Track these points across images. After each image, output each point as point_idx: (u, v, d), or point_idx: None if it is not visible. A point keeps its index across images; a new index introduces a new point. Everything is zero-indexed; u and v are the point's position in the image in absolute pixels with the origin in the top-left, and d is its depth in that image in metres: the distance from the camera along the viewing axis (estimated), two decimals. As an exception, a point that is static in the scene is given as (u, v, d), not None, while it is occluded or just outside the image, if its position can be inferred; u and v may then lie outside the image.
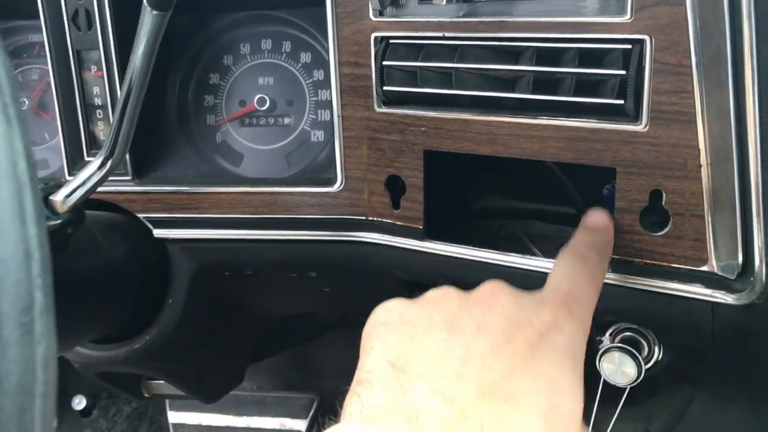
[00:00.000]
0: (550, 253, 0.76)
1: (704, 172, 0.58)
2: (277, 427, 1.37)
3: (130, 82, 0.63)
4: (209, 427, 1.39)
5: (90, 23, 0.82)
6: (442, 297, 0.51)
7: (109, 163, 0.65)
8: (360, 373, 0.46)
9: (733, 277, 0.60)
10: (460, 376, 0.44)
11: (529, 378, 0.45)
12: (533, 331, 0.48)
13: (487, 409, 0.42)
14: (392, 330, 0.48)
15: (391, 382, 0.44)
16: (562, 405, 0.45)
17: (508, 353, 0.46)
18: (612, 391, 0.76)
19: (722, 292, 0.60)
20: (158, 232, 0.84)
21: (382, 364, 0.45)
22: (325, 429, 0.42)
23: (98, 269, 0.76)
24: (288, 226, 0.81)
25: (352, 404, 0.44)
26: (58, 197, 0.65)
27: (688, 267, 0.61)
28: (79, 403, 1.51)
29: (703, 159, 0.58)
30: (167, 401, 1.40)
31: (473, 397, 0.43)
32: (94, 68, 0.84)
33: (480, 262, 0.72)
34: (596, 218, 0.63)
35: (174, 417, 1.41)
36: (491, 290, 0.51)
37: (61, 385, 1.51)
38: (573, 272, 0.55)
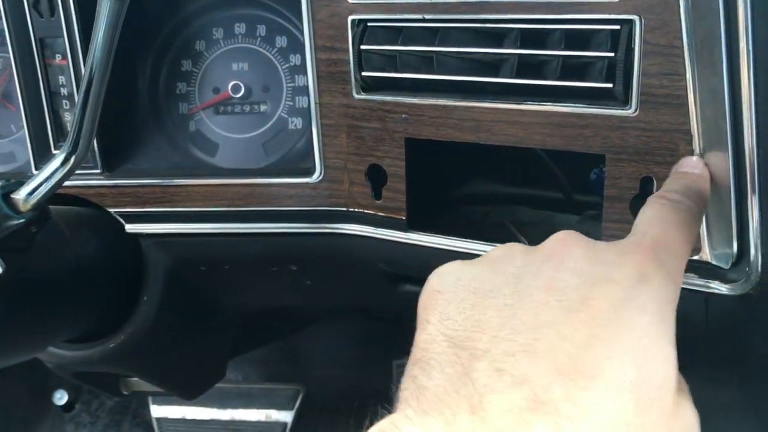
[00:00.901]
0: (538, 240, 0.74)
1: (697, 158, 0.56)
2: (263, 419, 1.35)
3: (90, 72, 0.60)
4: (193, 420, 1.37)
5: (53, 9, 0.78)
6: (505, 254, 0.44)
7: (73, 158, 0.62)
8: (416, 352, 0.40)
9: (728, 267, 0.58)
10: (530, 351, 0.37)
11: (612, 346, 0.38)
12: (615, 287, 0.40)
13: (563, 389, 0.36)
14: (450, 299, 0.42)
15: (451, 361, 0.38)
16: (652, 375, 0.38)
17: (586, 317, 0.39)
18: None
19: (716, 282, 0.58)
20: (131, 227, 0.81)
21: (440, 339, 0.39)
22: (379, 420, 0.36)
23: (68, 267, 0.73)
24: (266, 219, 0.78)
25: (408, 388, 0.38)
26: (19, 195, 0.62)
27: (680, 256, 0.59)
28: (61, 398, 1.49)
29: (696, 144, 0.56)
30: (150, 396, 1.38)
31: (546, 375, 0.36)
32: (58, 56, 0.80)
33: (465, 252, 0.70)
34: (690, 162, 0.55)
35: (157, 411, 1.39)
36: (563, 241, 0.44)
37: (42, 381, 1.48)
38: (661, 218, 0.47)
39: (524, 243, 0.72)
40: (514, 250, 0.45)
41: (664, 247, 0.44)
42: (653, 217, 0.47)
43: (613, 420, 0.36)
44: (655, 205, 0.49)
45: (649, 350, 0.38)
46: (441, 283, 0.43)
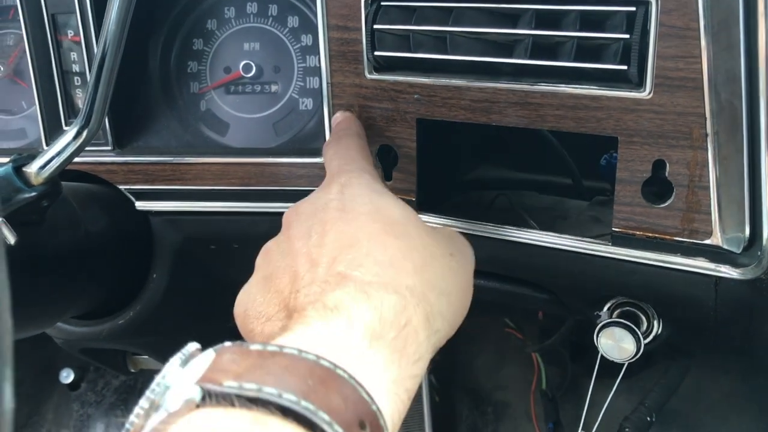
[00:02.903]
0: (546, 225, 0.74)
1: (710, 142, 0.56)
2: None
3: (104, 47, 0.60)
4: (199, 400, 1.38)
5: (65, -15, 0.78)
6: (272, 246, 0.58)
7: (85, 133, 0.62)
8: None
9: (739, 251, 0.57)
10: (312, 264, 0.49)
11: (352, 218, 0.50)
12: (333, 199, 0.52)
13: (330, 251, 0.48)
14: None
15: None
16: (392, 214, 0.51)
17: (324, 229, 0.50)
18: (609, 367, 0.74)
19: (727, 266, 0.58)
20: (140, 205, 0.81)
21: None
22: None
23: (78, 243, 0.73)
24: (276, 198, 0.78)
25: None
26: (31, 169, 0.62)
27: (691, 240, 0.59)
28: (67, 376, 1.49)
29: (710, 127, 0.56)
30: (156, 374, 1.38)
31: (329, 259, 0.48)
32: (70, 33, 0.80)
33: (475, 234, 0.70)
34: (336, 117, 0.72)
35: (163, 390, 1.39)
36: (286, 216, 0.57)
37: (48, 359, 1.49)
38: (333, 153, 0.61)
39: (533, 226, 0.73)
40: (270, 244, 0.58)
41: (346, 163, 0.59)
42: (328, 157, 0.62)
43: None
44: (326, 149, 0.65)
45: (376, 200, 0.52)
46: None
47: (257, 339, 0.49)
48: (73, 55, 0.81)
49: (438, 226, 0.61)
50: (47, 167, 0.62)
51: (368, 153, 0.63)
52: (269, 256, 0.55)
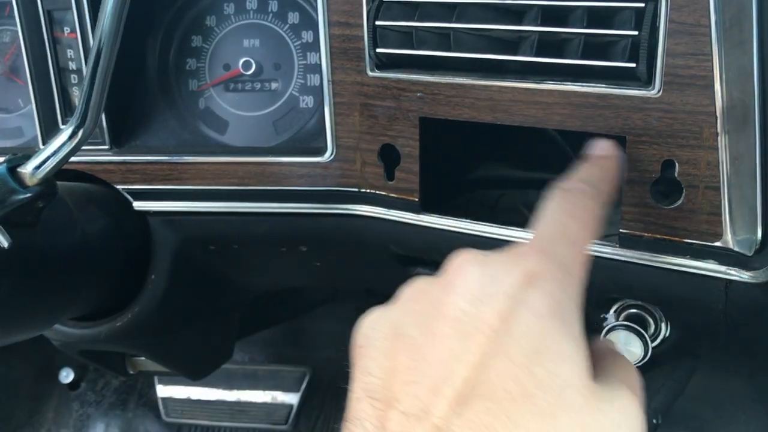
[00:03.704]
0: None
1: (721, 141, 0.54)
2: (269, 400, 1.35)
3: (99, 44, 0.58)
4: (199, 401, 1.37)
5: (61, -19, 0.76)
6: (411, 294, 0.45)
7: (80, 132, 0.61)
8: (349, 411, 0.42)
9: (750, 254, 0.56)
10: (433, 389, 0.38)
11: (503, 360, 0.38)
12: (502, 299, 0.40)
13: (463, 419, 0.36)
14: (366, 352, 0.43)
15: (370, 415, 0.39)
16: (549, 379, 0.37)
17: (480, 338, 0.39)
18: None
19: (737, 269, 0.57)
20: (138, 205, 0.80)
21: (362, 396, 0.41)
22: None
23: (75, 244, 0.72)
24: (276, 198, 0.77)
25: None
26: (26, 169, 0.61)
27: (701, 242, 0.58)
28: (67, 376, 1.49)
29: (720, 126, 0.54)
30: (156, 375, 1.37)
31: (447, 409, 0.37)
32: (67, 29, 0.79)
33: (479, 235, 0.69)
34: (597, 147, 0.54)
35: (162, 391, 1.39)
36: (456, 266, 0.43)
37: (48, 359, 1.48)
38: (553, 209, 0.46)
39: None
40: (419, 285, 0.45)
41: (553, 240, 0.43)
42: (546, 210, 0.47)
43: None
44: (550, 198, 0.48)
45: (544, 354, 0.38)
46: (362, 336, 0.44)
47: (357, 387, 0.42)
48: (70, 52, 0.80)
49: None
50: (42, 168, 0.61)
51: (596, 229, 0.47)
52: (412, 310, 0.43)
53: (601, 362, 0.43)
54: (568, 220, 0.45)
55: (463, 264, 0.43)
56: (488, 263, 0.43)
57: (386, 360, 0.41)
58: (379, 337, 0.43)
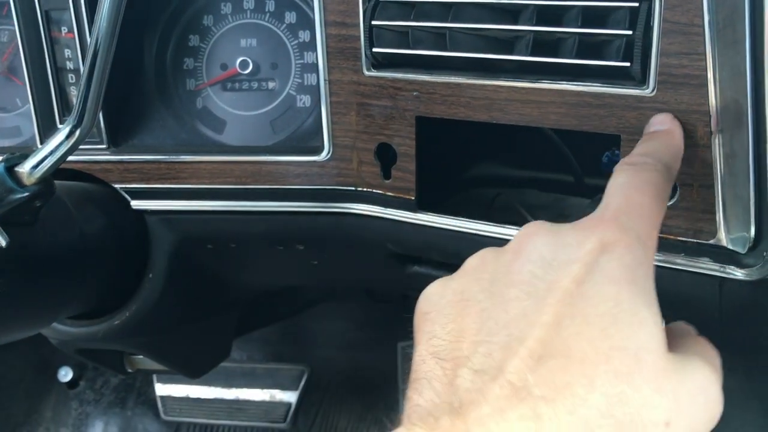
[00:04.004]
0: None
1: (715, 140, 0.55)
2: (267, 399, 1.35)
3: (96, 43, 0.59)
4: (197, 399, 1.37)
5: (59, -19, 0.77)
6: (478, 263, 0.45)
7: (78, 131, 0.61)
8: (411, 374, 0.42)
9: (744, 251, 0.56)
10: (505, 347, 0.38)
11: (580, 321, 0.38)
12: (577, 265, 0.40)
13: (534, 373, 0.36)
14: (434, 317, 0.43)
15: (438, 375, 0.39)
16: (627, 342, 0.37)
17: (553, 300, 0.39)
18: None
19: (732, 267, 0.57)
20: (136, 204, 0.80)
21: (428, 358, 0.41)
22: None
23: (72, 243, 0.72)
24: (273, 197, 0.77)
25: (404, 411, 0.40)
26: (24, 168, 0.61)
27: (695, 240, 0.58)
28: (65, 375, 1.49)
29: (714, 125, 0.55)
30: (154, 374, 1.38)
31: (519, 363, 0.37)
32: (64, 29, 0.79)
33: (474, 234, 0.69)
34: (656, 120, 0.54)
35: (161, 389, 1.39)
36: (526, 234, 0.44)
37: (46, 357, 1.48)
38: (623, 183, 0.46)
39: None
40: (486, 255, 0.45)
41: (626, 212, 0.44)
42: (616, 185, 0.47)
43: (590, 393, 0.36)
44: (618, 172, 0.48)
45: (620, 318, 0.38)
46: (427, 303, 0.45)
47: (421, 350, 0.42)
48: (68, 52, 0.80)
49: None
50: (40, 167, 0.61)
51: (665, 203, 0.48)
52: (482, 274, 0.44)
53: (679, 339, 0.44)
54: (638, 194, 0.46)
55: (532, 233, 0.44)
56: (559, 232, 0.43)
57: (453, 323, 0.41)
58: (446, 304, 0.43)
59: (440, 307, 0.43)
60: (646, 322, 0.39)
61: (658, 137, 0.53)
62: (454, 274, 0.46)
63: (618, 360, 0.37)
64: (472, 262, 0.46)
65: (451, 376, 0.38)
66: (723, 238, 0.57)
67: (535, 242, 0.43)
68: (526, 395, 0.36)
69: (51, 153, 0.61)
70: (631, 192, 0.46)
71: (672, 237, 0.59)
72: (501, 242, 0.68)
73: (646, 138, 0.54)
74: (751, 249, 0.56)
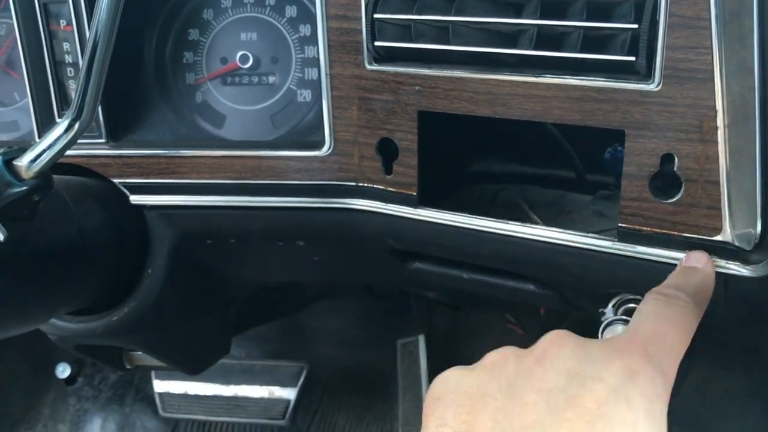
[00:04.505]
0: (549, 220, 0.73)
1: (721, 135, 0.54)
2: (266, 395, 1.35)
3: (95, 36, 0.58)
4: (196, 396, 1.37)
5: (57, -27, 0.76)
6: (499, 361, 0.46)
7: (76, 125, 0.61)
8: None
9: (750, 248, 0.56)
10: None
11: None
12: (602, 385, 0.42)
13: None
14: (447, 404, 0.44)
15: None
16: None
17: (572, 416, 0.40)
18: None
19: (737, 263, 0.57)
20: (135, 199, 0.80)
21: None
22: None
23: (71, 238, 0.72)
24: (273, 192, 0.76)
25: None
26: (22, 162, 0.60)
27: (700, 236, 0.58)
28: (63, 371, 1.49)
29: (720, 120, 0.54)
30: (153, 370, 1.37)
31: None
32: (63, 22, 0.78)
33: (477, 230, 0.69)
34: (694, 257, 0.57)
35: (159, 386, 1.39)
36: (553, 342, 0.46)
37: (44, 354, 1.48)
38: (655, 313, 0.49)
39: (537, 222, 0.71)
40: (508, 354, 0.46)
41: (655, 343, 0.45)
42: (647, 313, 0.49)
43: None
44: (651, 301, 0.50)
45: None
46: (442, 389, 0.46)
47: None
48: (66, 45, 0.79)
49: None
50: (38, 161, 0.61)
51: (689, 341, 0.49)
52: (490, 386, 0.45)
53: None
54: (668, 327, 0.48)
55: (559, 341, 0.45)
56: (587, 346, 0.45)
57: (467, 415, 0.42)
58: (461, 394, 0.44)
59: (455, 395, 0.44)
60: None
61: (694, 275, 0.55)
62: (473, 366, 0.47)
63: None
64: (493, 358, 0.47)
65: None
66: (728, 234, 0.56)
67: (561, 352, 0.44)
68: None
69: (49, 147, 0.61)
70: (661, 323, 0.47)
71: (676, 233, 0.58)
72: (503, 239, 0.68)
73: (680, 271, 0.56)
74: (757, 246, 0.56)
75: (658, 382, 0.43)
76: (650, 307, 0.50)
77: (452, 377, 0.46)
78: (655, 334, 0.46)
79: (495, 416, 0.42)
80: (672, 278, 0.55)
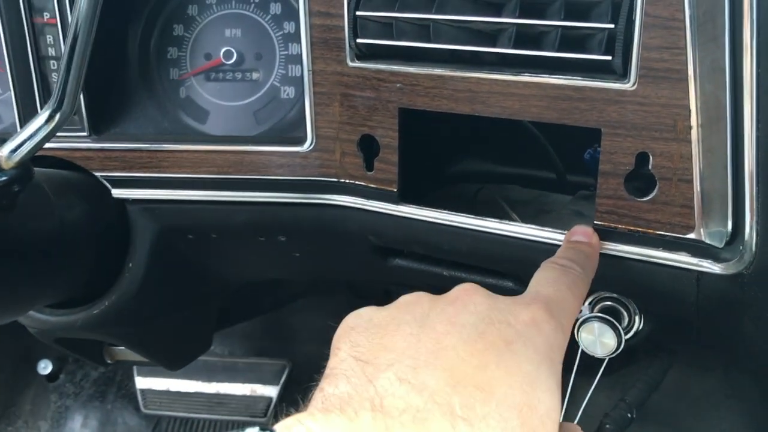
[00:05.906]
0: (529, 218, 0.74)
1: (694, 134, 0.55)
2: (248, 393, 1.35)
3: (75, 27, 0.58)
4: (178, 393, 1.37)
5: (41, -35, 0.76)
6: (413, 300, 0.50)
7: (57, 116, 0.61)
8: (326, 372, 0.44)
9: (721, 246, 0.57)
10: (431, 366, 0.42)
11: (504, 372, 0.43)
12: (509, 329, 0.46)
13: (459, 397, 0.40)
14: (361, 332, 0.46)
15: (357, 374, 0.42)
16: (538, 403, 0.43)
17: (482, 347, 0.44)
18: (589, 362, 0.73)
19: (709, 261, 0.58)
20: (117, 192, 0.80)
21: (348, 359, 0.44)
22: (282, 419, 0.39)
23: (52, 230, 0.72)
24: (255, 188, 0.77)
25: (315, 398, 0.42)
26: (2, 152, 0.60)
27: (673, 234, 0.58)
28: (45, 367, 1.48)
29: (694, 120, 0.55)
30: (135, 367, 1.37)
31: (444, 385, 0.41)
32: (46, 15, 0.78)
33: (456, 227, 0.69)
34: (578, 233, 0.62)
35: (141, 383, 1.38)
36: (465, 291, 0.50)
37: (26, 349, 1.47)
38: (554, 279, 0.54)
39: (516, 220, 0.72)
40: (422, 297, 0.50)
41: (556, 303, 0.50)
42: (546, 278, 0.54)
43: (503, 430, 0.40)
44: (548, 269, 0.56)
45: (536, 382, 0.44)
46: (356, 320, 0.48)
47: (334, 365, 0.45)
48: (49, 38, 0.79)
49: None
50: (19, 150, 0.61)
51: (581, 305, 0.56)
52: (404, 311, 0.48)
53: None
54: (566, 291, 0.53)
55: (471, 290, 0.49)
56: (496, 298, 0.49)
57: (380, 339, 0.45)
58: (375, 323, 0.47)
59: (369, 325, 0.47)
60: (555, 394, 0.44)
61: (581, 248, 0.60)
62: (387, 305, 0.49)
63: (528, 415, 0.42)
64: (406, 298, 0.50)
65: (372, 376, 0.42)
66: (701, 232, 0.57)
67: (473, 298, 0.48)
68: (449, 413, 0.39)
69: (30, 137, 0.61)
70: (560, 287, 0.53)
71: (651, 231, 0.59)
72: (482, 236, 0.68)
73: (569, 245, 0.60)
74: (728, 243, 0.57)
75: (558, 335, 0.48)
76: (549, 274, 0.55)
77: (366, 312, 0.49)
78: (556, 295, 0.51)
79: (408, 339, 0.44)
80: (563, 251, 0.59)
